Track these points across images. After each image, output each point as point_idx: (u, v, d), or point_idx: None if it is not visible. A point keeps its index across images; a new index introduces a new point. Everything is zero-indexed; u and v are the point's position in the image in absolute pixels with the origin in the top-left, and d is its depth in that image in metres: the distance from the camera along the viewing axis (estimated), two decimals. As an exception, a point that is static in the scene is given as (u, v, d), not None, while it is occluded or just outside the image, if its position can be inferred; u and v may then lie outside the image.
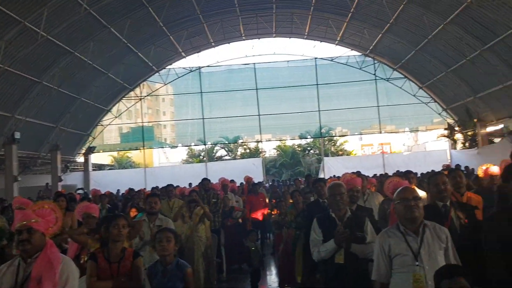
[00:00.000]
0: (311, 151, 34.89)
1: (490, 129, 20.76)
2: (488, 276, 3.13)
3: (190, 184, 16.38)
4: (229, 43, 24.66)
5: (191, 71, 25.03)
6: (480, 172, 6.51)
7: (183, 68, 25.14)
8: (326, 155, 28.86)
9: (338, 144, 33.70)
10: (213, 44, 24.27)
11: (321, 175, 22.30)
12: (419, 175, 13.83)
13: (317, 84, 24.75)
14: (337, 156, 31.50)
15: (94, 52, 17.92)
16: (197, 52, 24.71)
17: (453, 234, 3.54)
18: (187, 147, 31.98)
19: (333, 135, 28.94)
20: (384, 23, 19.64)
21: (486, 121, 20.90)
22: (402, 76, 24.38)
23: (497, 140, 20.61)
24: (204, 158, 29.25)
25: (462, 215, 3.85)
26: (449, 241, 3.30)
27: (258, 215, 10.94)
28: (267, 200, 11.87)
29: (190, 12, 19.56)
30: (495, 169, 5.90)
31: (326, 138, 29.49)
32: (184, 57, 24.63)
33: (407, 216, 3.28)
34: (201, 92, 24.90)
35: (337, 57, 25.06)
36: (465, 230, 3.76)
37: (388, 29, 20.14)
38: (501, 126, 18.71)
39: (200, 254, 7.06)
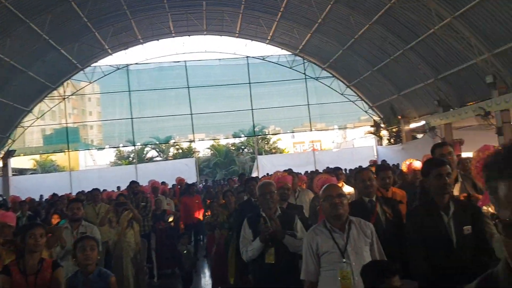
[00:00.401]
0: (245, 149, 35.08)
1: (413, 125, 21.74)
2: (410, 269, 3.21)
3: (118, 188, 15.78)
4: (158, 40, 23.98)
5: (118, 68, 24.03)
6: (404, 167, 6.74)
7: (110, 65, 24.03)
8: (260, 154, 29.07)
9: (271, 142, 34.13)
10: (141, 40, 23.48)
11: (255, 174, 22.39)
12: (348, 171, 14.30)
13: (249, 83, 24.73)
14: (271, 154, 31.87)
15: (11, 48, 16.70)
16: (125, 49, 23.78)
17: (379, 228, 3.61)
18: (115, 149, 30.94)
19: (266, 133, 29.21)
20: (313, 22, 20.02)
21: (409, 117, 21.89)
22: (331, 75, 25.03)
23: (419, 136, 21.65)
24: (134, 160, 28.35)
25: (387, 210, 3.95)
26: (374, 236, 3.34)
27: (194, 217, 10.76)
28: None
29: (116, 7, 18.77)
30: (417, 164, 6.09)
31: (259, 136, 29.71)
32: (111, 54, 23.62)
33: (332, 214, 3.28)
34: (129, 91, 23.95)
35: (268, 56, 25.28)
36: (390, 224, 3.85)
37: (316, 29, 20.54)
38: (423, 122, 19.63)
39: (129, 260, 6.77)
